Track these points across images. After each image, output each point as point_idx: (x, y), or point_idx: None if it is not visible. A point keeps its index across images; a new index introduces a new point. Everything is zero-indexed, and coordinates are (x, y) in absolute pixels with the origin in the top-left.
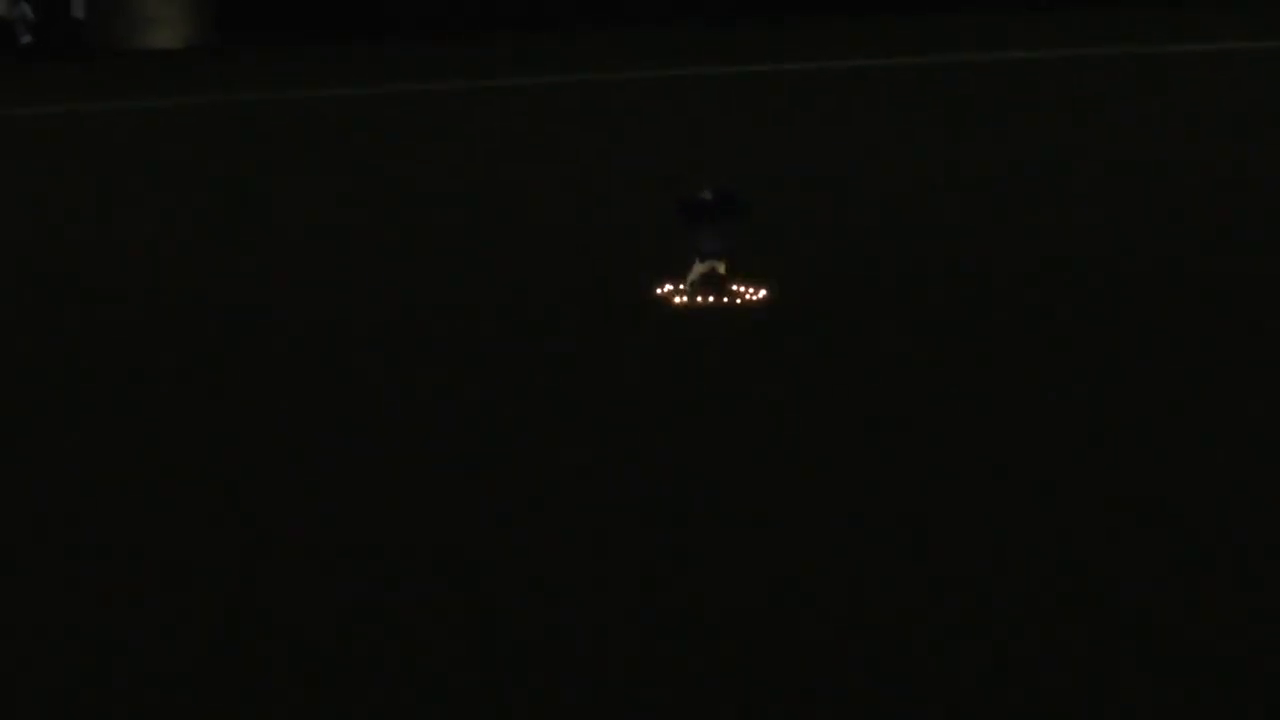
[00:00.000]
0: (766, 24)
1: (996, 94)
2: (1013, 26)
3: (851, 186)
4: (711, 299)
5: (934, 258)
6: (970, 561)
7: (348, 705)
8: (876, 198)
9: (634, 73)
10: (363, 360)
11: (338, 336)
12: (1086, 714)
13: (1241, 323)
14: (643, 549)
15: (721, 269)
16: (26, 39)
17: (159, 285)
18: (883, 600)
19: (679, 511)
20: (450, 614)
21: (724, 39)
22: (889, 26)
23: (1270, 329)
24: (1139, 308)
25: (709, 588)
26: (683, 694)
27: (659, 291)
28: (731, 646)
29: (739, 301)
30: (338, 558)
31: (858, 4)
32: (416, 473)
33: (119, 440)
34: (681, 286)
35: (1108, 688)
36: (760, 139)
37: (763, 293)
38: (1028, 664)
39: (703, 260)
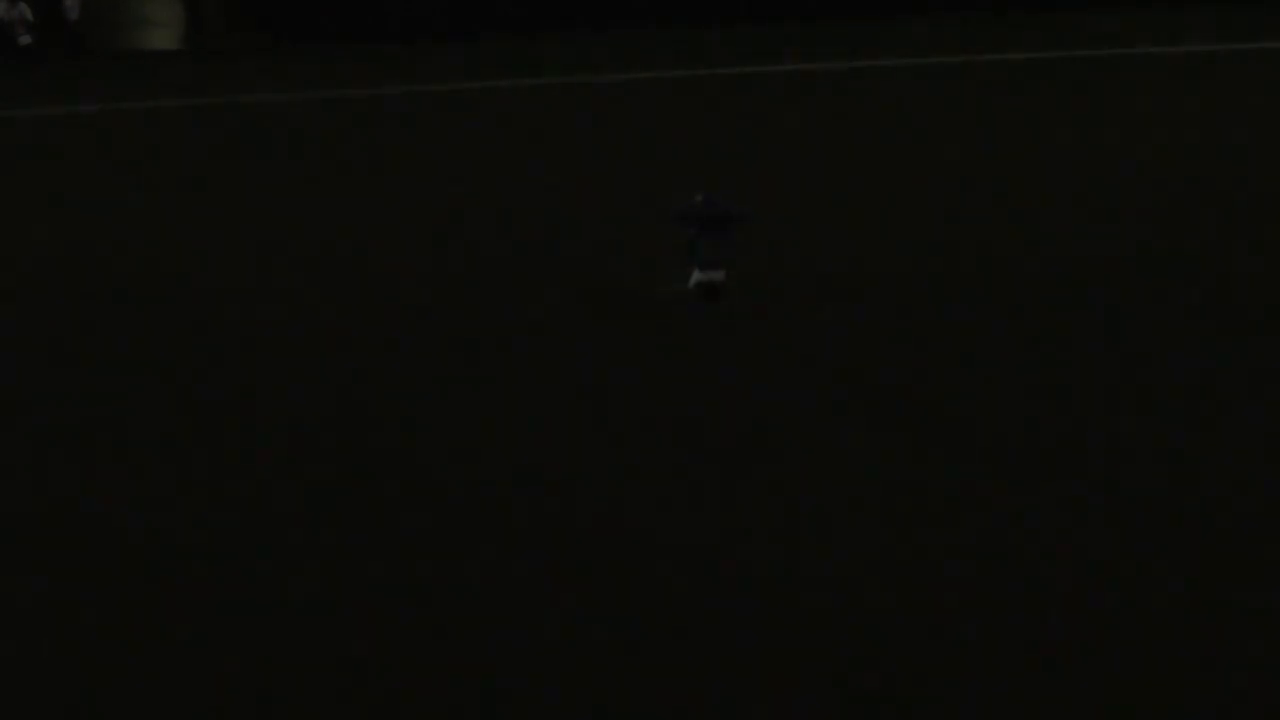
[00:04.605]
0: (765, 25)
1: (995, 95)
2: (1011, 29)
3: (850, 187)
4: (710, 301)
5: (933, 258)
6: (967, 558)
7: (345, 703)
8: (875, 198)
9: (633, 74)
10: (361, 357)
11: (337, 333)
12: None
13: (1241, 318)
14: (642, 546)
15: (720, 278)
16: (25, 40)
17: (156, 282)
18: (879, 595)
19: (679, 508)
20: (448, 610)
21: (722, 40)
22: (889, 27)
23: (1270, 325)
24: (1141, 304)
25: (708, 584)
26: (680, 686)
27: (659, 291)
28: (729, 641)
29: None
30: (337, 555)
31: (856, 6)
32: (414, 470)
33: (114, 437)
34: (680, 289)
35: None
36: (759, 139)
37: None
38: (1026, 660)
39: (701, 270)
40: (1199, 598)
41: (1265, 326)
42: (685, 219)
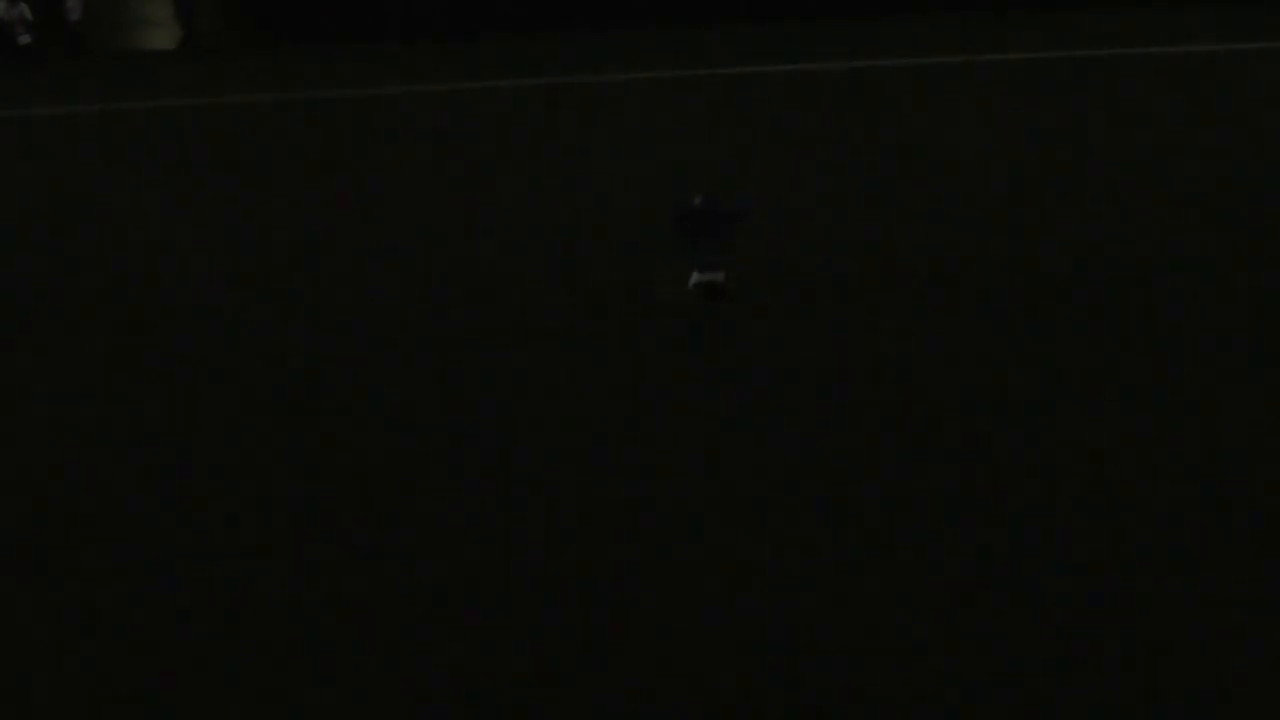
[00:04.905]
0: (765, 25)
1: (995, 95)
2: (1011, 29)
3: (850, 187)
4: (711, 301)
5: (932, 258)
6: (967, 558)
7: (345, 697)
8: (875, 198)
9: (633, 74)
10: (360, 357)
11: (336, 333)
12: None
13: (1240, 318)
14: (642, 545)
15: (720, 278)
16: (25, 40)
17: (156, 282)
18: (879, 595)
19: (679, 508)
20: (449, 610)
21: (722, 40)
22: (889, 27)
23: (1270, 326)
24: (1141, 304)
25: (707, 585)
26: (680, 686)
27: (659, 291)
28: (729, 642)
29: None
30: (337, 555)
31: (856, 6)
32: (414, 470)
33: (115, 437)
34: (680, 289)
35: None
36: (759, 139)
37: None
38: (1026, 660)
39: (701, 271)
40: (1199, 597)
41: (1265, 326)
42: (685, 219)
